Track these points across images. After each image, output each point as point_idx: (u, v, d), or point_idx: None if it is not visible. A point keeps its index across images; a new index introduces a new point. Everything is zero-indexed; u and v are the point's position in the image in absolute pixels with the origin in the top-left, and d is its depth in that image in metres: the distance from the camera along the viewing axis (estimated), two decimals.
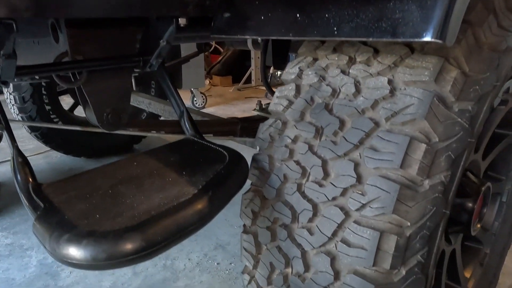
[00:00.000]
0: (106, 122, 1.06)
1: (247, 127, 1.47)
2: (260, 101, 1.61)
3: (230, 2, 0.82)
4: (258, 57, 6.22)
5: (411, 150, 0.66)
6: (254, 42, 2.36)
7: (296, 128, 0.80)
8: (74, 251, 0.54)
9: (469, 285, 1.32)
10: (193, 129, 0.96)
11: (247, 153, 0.95)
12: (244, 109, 4.85)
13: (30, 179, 0.71)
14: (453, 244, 1.12)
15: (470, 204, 1.02)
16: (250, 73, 6.05)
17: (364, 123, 0.71)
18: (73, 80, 1.02)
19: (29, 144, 3.16)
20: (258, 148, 0.92)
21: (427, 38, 0.56)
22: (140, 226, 0.58)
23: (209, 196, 0.67)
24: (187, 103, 4.49)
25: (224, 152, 0.85)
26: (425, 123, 0.66)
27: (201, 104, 4.61)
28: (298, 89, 0.85)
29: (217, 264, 1.84)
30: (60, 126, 2.25)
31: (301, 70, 0.87)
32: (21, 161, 0.72)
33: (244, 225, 0.93)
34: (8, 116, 0.95)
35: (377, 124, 0.70)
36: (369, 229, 0.66)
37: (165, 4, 0.81)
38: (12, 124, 0.90)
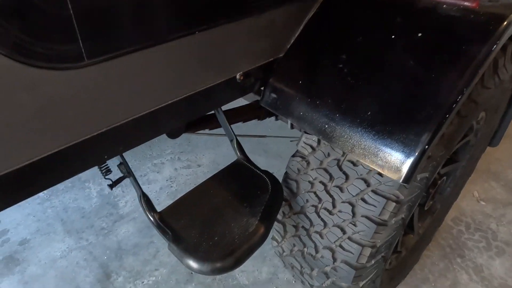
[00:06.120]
0: None
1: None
2: None
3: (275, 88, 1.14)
4: None
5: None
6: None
7: (316, 172, 1.23)
8: (198, 266, 1.04)
9: None
10: (241, 152, 1.37)
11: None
12: None
13: (153, 212, 1.15)
14: None
15: None
16: None
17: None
18: None
19: None
20: (287, 172, 1.36)
21: None
22: (232, 252, 1.06)
23: (266, 224, 1.15)
24: None
25: (266, 179, 1.29)
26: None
27: None
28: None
29: None
30: None
31: None
32: (146, 200, 1.15)
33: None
34: None
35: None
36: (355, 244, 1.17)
37: None
38: None
